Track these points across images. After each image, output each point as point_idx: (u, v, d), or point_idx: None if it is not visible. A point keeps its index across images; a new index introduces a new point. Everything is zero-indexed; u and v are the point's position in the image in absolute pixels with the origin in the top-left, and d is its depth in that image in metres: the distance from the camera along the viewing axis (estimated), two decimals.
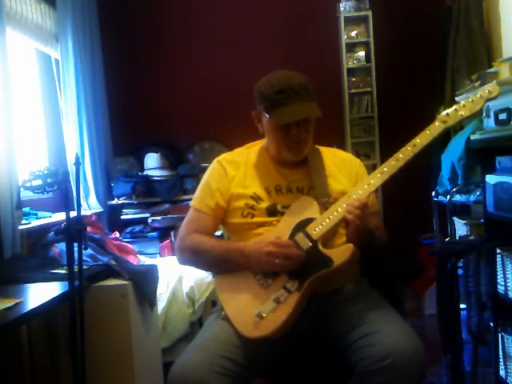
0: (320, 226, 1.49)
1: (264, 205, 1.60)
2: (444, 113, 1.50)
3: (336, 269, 1.45)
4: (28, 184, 1.71)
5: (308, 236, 1.49)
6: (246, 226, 1.61)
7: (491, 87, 1.50)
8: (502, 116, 2.10)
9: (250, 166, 1.68)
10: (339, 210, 1.50)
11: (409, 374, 1.31)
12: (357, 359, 1.36)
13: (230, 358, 1.38)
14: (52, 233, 2.52)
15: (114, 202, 3.75)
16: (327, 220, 1.50)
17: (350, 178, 1.68)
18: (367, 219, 1.47)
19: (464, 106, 1.49)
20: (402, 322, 1.44)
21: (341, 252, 1.47)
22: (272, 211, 1.60)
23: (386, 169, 1.50)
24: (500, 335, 2.08)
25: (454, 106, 1.50)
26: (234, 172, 1.67)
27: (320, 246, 1.49)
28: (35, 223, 2.63)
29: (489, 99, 1.50)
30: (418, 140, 1.48)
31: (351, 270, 1.60)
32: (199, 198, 1.68)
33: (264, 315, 1.43)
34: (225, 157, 1.73)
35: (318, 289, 1.50)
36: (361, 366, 1.34)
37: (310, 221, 1.52)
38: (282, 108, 1.55)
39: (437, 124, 1.49)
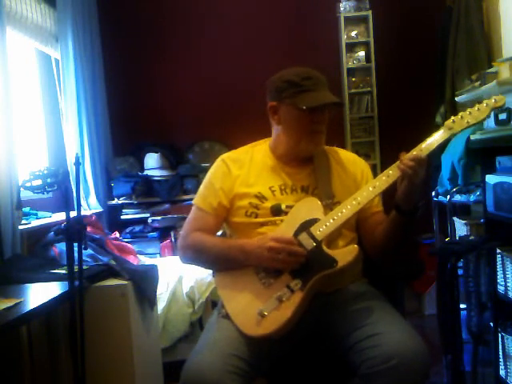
0: (324, 227, 1.49)
1: (268, 204, 1.60)
2: (450, 120, 1.50)
3: (340, 269, 1.45)
4: (28, 184, 1.71)
5: (312, 236, 1.49)
6: (249, 226, 1.61)
7: (497, 97, 1.50)
8: (502, 116, 2.10)
9: (254, 165, 1.68)
10: (343, 211, 1.50)
11: (413, 376, 1.30)
12: (360, 360, 1.36)
13: (241, 357, 1.38)
14: (52, 233, 2.52)
15: (114, 202, 3.74)
16: (331, 221, 1.50)
17: (355, 177, 1.69)
18: (421, 175, 1.43)
19: (470, 113, 1.48)
20: (404, 323, 1.44)
21: (345, 253, 1.47)
22: (276, 211, 1.59)
23: (391, 172, 1.49)
24: (500, 335, 2.08)
25: (460, 114, 1.50)
26: (238, 171, 1.67)
27: (324, 247, 1.49)
28: (35, 223, 2.62)
29: (495, 108, 1.50)
30: (423, 145, 1.47)
31: (354, 271, 1.61)
32: (202, 197, 1.68)
33: (266, 313, 1.43)
34: (229, 155, 1.73)
35: (321, 289, 1.50)
36: (364, 367, 1.34)
37: (314, 221, 1.51)
38: (310, 93, 1.56)
39: (442, 131, 1.49)
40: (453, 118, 1.49)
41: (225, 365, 1.33)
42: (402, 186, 1.46)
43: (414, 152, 1.46)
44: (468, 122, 1.48)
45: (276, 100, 1.63)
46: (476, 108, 1.49)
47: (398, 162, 1.46)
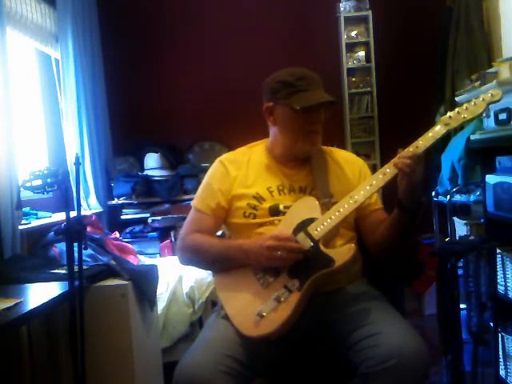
0: (322, 226, 1.49)
1: (266, 205, 1.60)
2: (447, 115, 1.49)
3: (337, 269, 1.45)
4: (28, 184, 1.71)
5: (309, 236, 1.49)
6: (247, 226, 1.61)
7: (494, 91, 1.49)
8: (502, 116, 2.10)
9: (252, 166, 1.68)
10: (341, 210, 1.50)
11: (412, 375, 1.30)
12: (360, 360, 1.36)
13: (235, 358, 1.38)
14: (52, 233, 2.52)
15: (114, 202, 3.75)
16: (329, 220, 1.50)
17: (353, 177, 1.68)
18: (419, 172, 1.43)
19: (466, 108, 1.48)
20: (404, 323, 1.44)
21: (342, 252, 1.47)
22: (274, 211, 1.59)
23: (388, 170, 1.49)
24: (500, 335, 2.08)
25: (457, 109, 1.49)
26: (236, 172, 1.67)
27: (321, 246, 1.48)
28: (35, 223, 2.62)
29: (491, 102, 1.49)
30: (420, 142, 1.47)
31: (352, 271, 1.60)
32: (200, 198, 1.68)
33: (264, 314, 1.43)
34: (227, 157, 1.73)
35: (318, 289, 1.50)
36: (364, 366, 1.34)
37: (311, 221, 1.51)
38: (305, 93, 1.56)
39: (439, 126, 1.48)
40: (449, 113, 1.49)
41: (217, 364, 1.33)
42: (403, 185, 1.46)
43: (411, 149, 1.46)
44: (464, 117, 1.48)
45: (271, 101, 1.63)
46: (472, 103, 1.48)
47: (394, 159, 1.46)
